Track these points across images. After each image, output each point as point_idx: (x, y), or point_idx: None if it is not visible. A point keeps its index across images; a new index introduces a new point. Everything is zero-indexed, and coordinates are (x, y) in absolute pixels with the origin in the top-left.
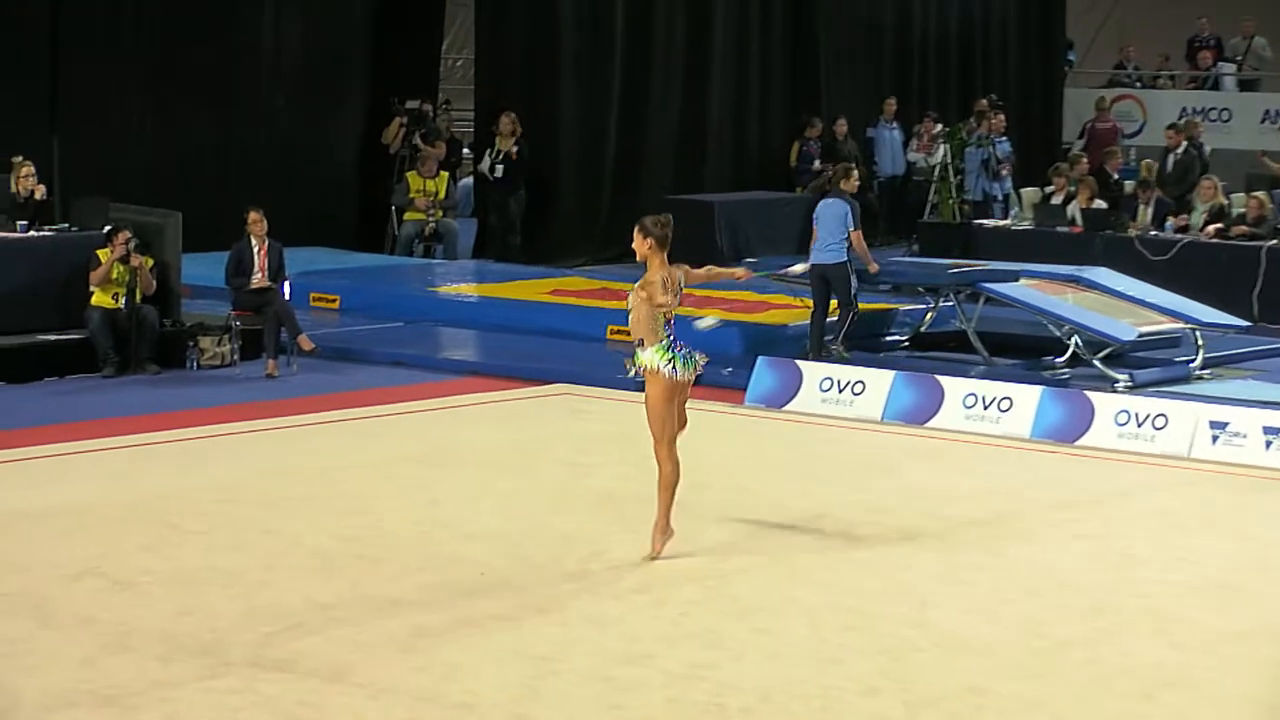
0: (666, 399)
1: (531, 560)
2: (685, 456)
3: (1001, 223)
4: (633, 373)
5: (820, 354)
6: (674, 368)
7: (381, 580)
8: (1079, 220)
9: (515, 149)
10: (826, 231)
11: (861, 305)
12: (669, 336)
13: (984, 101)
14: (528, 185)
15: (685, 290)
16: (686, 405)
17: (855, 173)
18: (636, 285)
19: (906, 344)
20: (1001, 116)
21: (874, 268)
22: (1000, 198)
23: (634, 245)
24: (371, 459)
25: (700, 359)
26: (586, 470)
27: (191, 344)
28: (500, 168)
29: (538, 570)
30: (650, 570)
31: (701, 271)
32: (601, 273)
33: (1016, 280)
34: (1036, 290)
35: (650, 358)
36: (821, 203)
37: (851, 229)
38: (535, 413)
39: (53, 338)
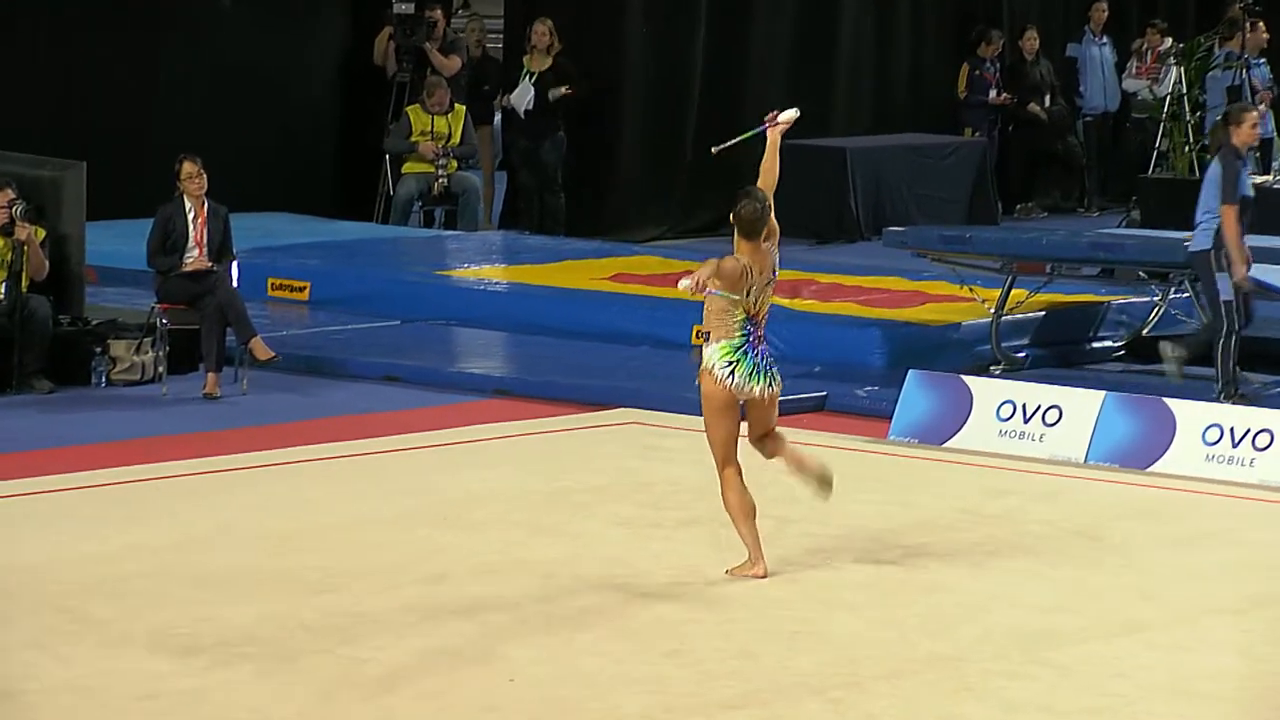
0: (719, 411)
1: (579, 662)
2: (801, 512)
3: (1260, 178)
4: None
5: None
6: (733, 374)
7: (364, 686)
8: None
9: (551, 71)
10: (1200, 205)
11: (1061, 297)
12: (744, 337)
13: (1236, 7)
14: (578, 126)
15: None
16: (775, 429)
17: (1248, 118)
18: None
19: (1122, 352)
20: (1263, 27)
21: (1240, 272)
22: (1257, 143)
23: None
24: (352, 516)
25: (778, 377)
26: (662, 534)
27: (99, 350)
28: (530, 98)
29: (587, 678)
30: (755, 676)
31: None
32: (684, 250)
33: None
34: None
35: (710, 355)
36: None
37: (1220, 202)
38: (589, 450)
39: None
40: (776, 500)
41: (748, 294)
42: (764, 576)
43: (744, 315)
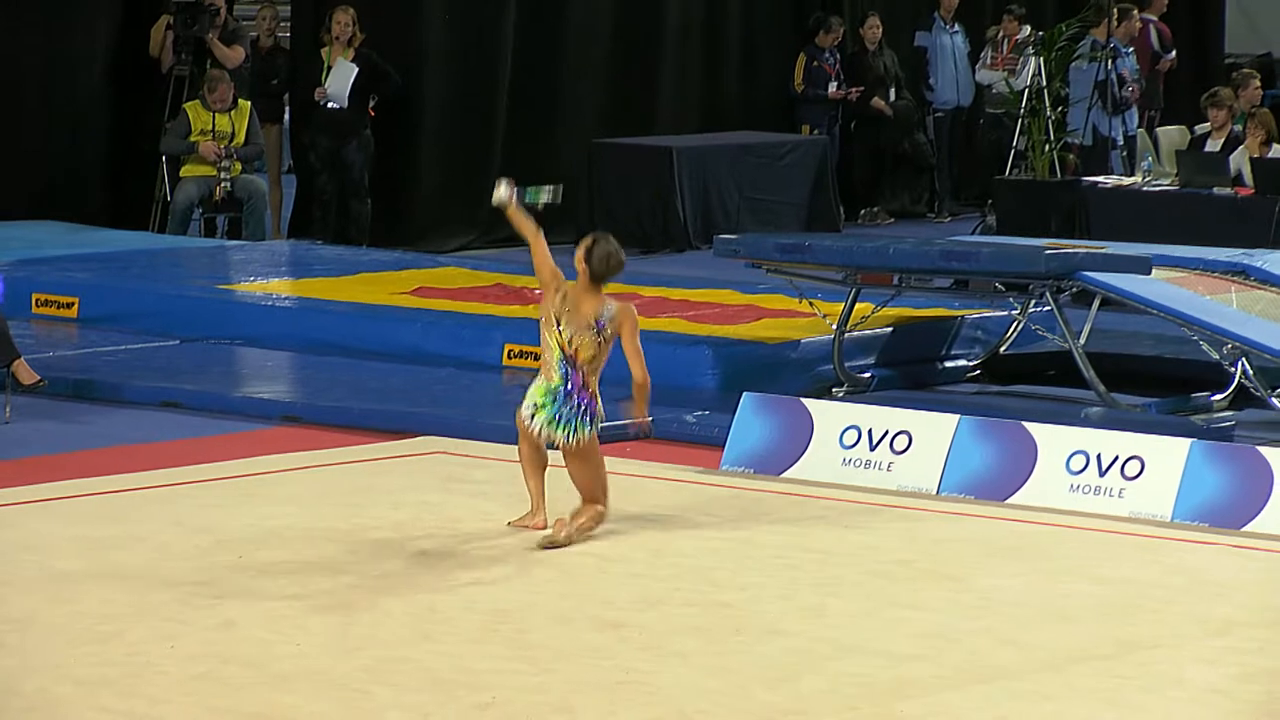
0: (522, 440)
1: (383, 717)
2: (624, 550)
3: (1126, 180)
4: None
5: None
6: (533, 418)
7: None
8: (1247, 177)
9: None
10: None
11: (910, 311)
12: (561, 380)
13: None
14: (378, 124)
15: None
16: (587, 479)
17: None
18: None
19: (977, 372)
20: (1136, 13)
21: None
22: (1123, 141)
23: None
24: (126, 561)
25: (584, 432)
26: (471, 574)
27: None
28: (353, 78)
29: None
30: None
31: (634, 349)
32: (493, 261)
33: (1149, 272)
34: (1180, 288)
35: (528, 392)
36: None
37: None
38: (388, 483)
39: None
40: (593, 538)
41: (559, 325)
42: (543, 528)
43: (560, 353)
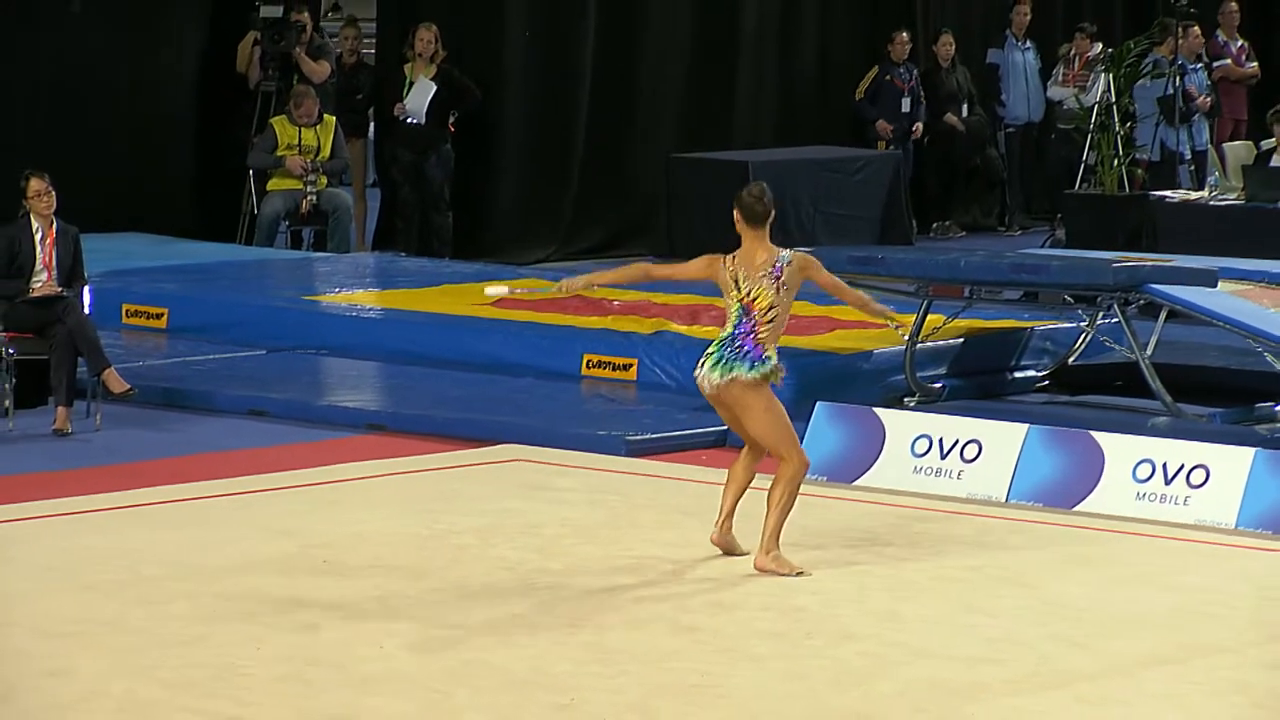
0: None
1: (461, 719)
2: (699, 555)
3: (1194, 195)
4: None
5: None
6: (701, 366)
7: None
8: None
9: (437, 80)
10: None
11: (980, 323)
12: (734, 328)
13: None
14: (460, 139)
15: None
16: (758, 428)
17: None
18: None
19: (1046, 382)
20: (1198, 30)
21: None
22: (1190, 155)
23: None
24: (213, 564)
25: (740, 370)
26: (549, 579)
27: None
28: (430, 95)
29: None
30: None
31: (832, 283)
32: (572, 273)
33: (1215, 285)
34: (1245, 300)
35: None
36: None
37: None
38: (471, 490)
39: None
40: (671, 544)
41: (738, 284)
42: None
43: (738, 305)
